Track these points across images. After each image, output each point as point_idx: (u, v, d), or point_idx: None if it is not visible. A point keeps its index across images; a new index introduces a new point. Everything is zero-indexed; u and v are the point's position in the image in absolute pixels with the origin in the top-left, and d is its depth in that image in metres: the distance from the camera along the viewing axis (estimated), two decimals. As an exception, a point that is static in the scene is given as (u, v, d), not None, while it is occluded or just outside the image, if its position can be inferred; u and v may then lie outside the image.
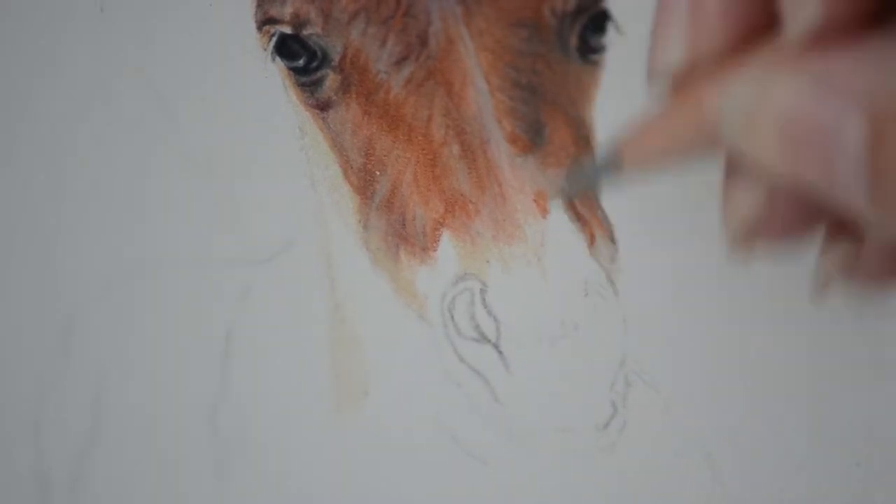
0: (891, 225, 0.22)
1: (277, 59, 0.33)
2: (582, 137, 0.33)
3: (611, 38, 0.34)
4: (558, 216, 0.32)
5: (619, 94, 0.34)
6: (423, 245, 0.32)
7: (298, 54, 0.33)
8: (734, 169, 0.26)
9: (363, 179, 0.32)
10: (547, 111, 0.33)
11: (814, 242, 0.27)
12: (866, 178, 0.21)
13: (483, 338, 0.31)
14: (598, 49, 0.34)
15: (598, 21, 0.34)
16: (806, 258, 0.32)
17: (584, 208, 0.32)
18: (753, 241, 0.28)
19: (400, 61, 0.32)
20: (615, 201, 0.33)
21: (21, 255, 0.32)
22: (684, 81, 0.26)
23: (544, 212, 0.32)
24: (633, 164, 0.28)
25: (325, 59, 0.33)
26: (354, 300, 0.31)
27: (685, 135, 0.26)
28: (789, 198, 0.26)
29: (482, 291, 0.31)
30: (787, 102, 0.22)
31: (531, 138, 0.32)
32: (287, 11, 0.33)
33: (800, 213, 0.27)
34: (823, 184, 0.23)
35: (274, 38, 0.33)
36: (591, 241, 0.32)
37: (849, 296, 0.29)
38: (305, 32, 0.33)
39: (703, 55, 0.26)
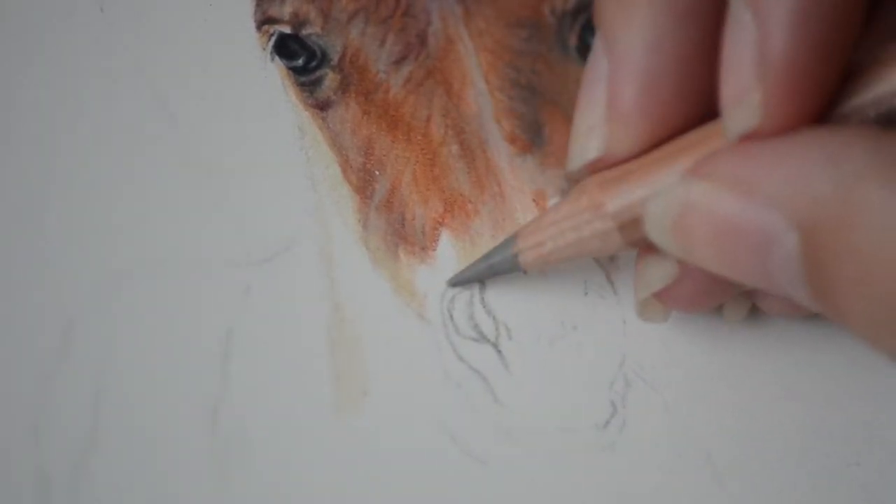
0: (834, 313, 0.21)
1: (277, 58, 0.33)
2: (581, 137, 0.33)
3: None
4: (558, 216, 0.32)
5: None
6: (422, 244, 0.32)
7: (298, 54, 0.33)
8: (648, 243, 0.26)
9: (362, 179, 0.32)
10: (546, 111, 0.33)
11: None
12: (806, 283, 0.21)
13: (482, 337, 0.31)
14: (598, 48, 0.34)
15: (598, 21, 0.34)
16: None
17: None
18: (665, 308, 0.28)
19: (399, 61, 0.33)
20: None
21: (20, 255, 0.32)
22: (589, 180, 0.26)
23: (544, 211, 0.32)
24: (534, 265, 0.28)
25: (324, 59, 0.33)
26: (354, 300, 0.31)
27: (586, 237, 0.26)
28: (702, 275, 0.26)
29: (481, 291, 0.31)
30: (715, 211, 0.22)
31: (530, 138, 0.32)
32: (286, 11, 0.33)
33: (711, 288, 0.27)
34: (761, 283, 0.22)
35: (273, 38, 0.33)
36: (591, 240, 0.32)
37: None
38: (305, 32, 0.33)
39: (620, 154, 0.25)
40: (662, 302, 0.28)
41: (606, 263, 0.32)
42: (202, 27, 0.34)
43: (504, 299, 0.31)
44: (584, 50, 0.34)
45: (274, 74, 0.33)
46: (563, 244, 0.27)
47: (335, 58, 0.33)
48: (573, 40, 0.33)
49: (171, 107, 0.33)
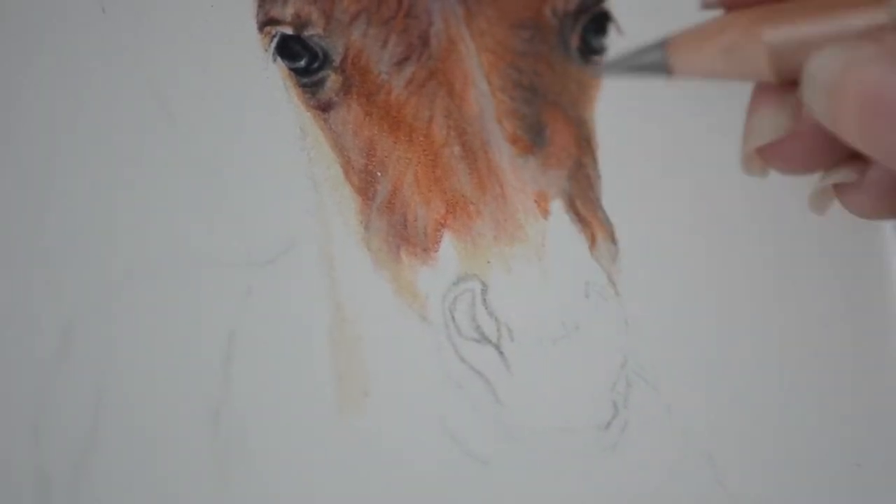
0: None
1: (279, 59, 0.33)
2: (583, 138, 0.33)
3: (611, 38, 0.34)
4: (559, 217, 0.32)
5: (619, 95, 0.34)
6: (424, 245, 0.32)
7: (300, 55, 0.33)
8: (766, 91, 0.26)
9: (364, 180, 0.32)
10: (548, 112, 0.33)
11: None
12: None
13: (484, 338, 0.31)
14: (599, 50, 0.34)
15: (599, 22, 0.34)
16: (803, 264, 0.32)
17: (586, 209, 0.32)
18: (769, 164, 0.27)
19: (401, 62, 0.32)
20: (616, 202, 0.33)
21: (21, 256, 0.31)
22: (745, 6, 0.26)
23: (545, 212, 0.32)
24: (681, 69, 0.27)
25: (326, 60, 0.33)
26: (356, 301, 0.31)
27: (738, 60, 0.25)
28: (812, 138, 0.25)
29: (483, 292, 0.31)
30: (869, 80, 0.22)
31: (532, 139, 0.32)
32: (288, 12, 0.33)
33: (816, 153, 0.26)
34: None
35: (275, 39, 0.33)
36: (593, 241, 0.32)
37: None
38: (307, 33, 0.33)
39: None
40: (765, 158, 0.27)
41: (608, 264, 0.32)
42: (203, 28, 0.34)
43: (506, 300, 0.31)
44: (585, 51, 0.34)
45: (276, 75, 0.33)
46: (710, 59, 0.26)
47: (337, 59, 0.33)
48: (575, 41, 0.33)
49: (172, 107, 0.33)
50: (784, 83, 0.25)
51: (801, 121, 0.26)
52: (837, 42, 0.23)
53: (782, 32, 0.25)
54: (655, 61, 0.28)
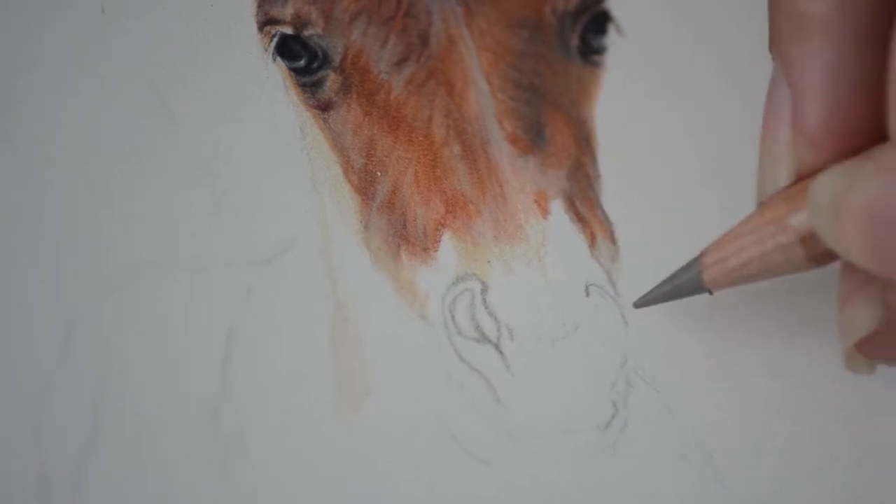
0: None
1: (278, 59, 0.33)
2: (583, 137, 0.33)
3: (612, 38, 0.34)
4: (559, 217, 0.32)
5: (619, 95, 0.34)
6: (424, 245, 0.32)
7: (299, 55, 0.33)
8: (851, 283, 0.26)
9: (364, 180, 0.32)
10: (548, 112, 0.33)
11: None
12: None
13: (484, 338, 0.31)
14: (600, 49, 0.34)
15: (600, 21, 0.34)
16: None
17: (585, 209, 0.32)
18: (873, 358, 0.27)
19: (401, 62, 0.33)
20: (616, 201, 0.33)
21: (20, 255, 0.31)
22: (773, 196, 0.26)
23: (545, 212, 0.32)
24: (716, 281, 0.28)
25: (326, 60, 0.33)
26: (356, 301, 0.31)
27: (769, 251, 0.26)
28: None
29: (483, 292, 0.31)
30: (871, 195, 0.22)
31: (532, 139, 0.32)
32: (288, 12, 0.33)
33: None
34: None
35: (275, 39, 0.33)
36: (593, 241, 0.32)
37: None
38: (306, 33, 0.33)
39: (809, 176, 0.25)
40: (866, 354, 0.27)
41: (608, 264, 0.32)
42: (203, 28, 0.34)
43: (506, 300, 0.31)
44: (585, 51, 0.34)
45: (275, 75, 0.33)
46: (746, 259, 0.27)
47: (337, 59, 0.33)
48: (575, 41, 0.33)
49: (172, 107, 0.33)
50: (820, 263, 0.26)
51: (892, 307, 0.26)
52: (838, 164, 0.24)
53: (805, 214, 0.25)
54: (691, 282, 0.28)
